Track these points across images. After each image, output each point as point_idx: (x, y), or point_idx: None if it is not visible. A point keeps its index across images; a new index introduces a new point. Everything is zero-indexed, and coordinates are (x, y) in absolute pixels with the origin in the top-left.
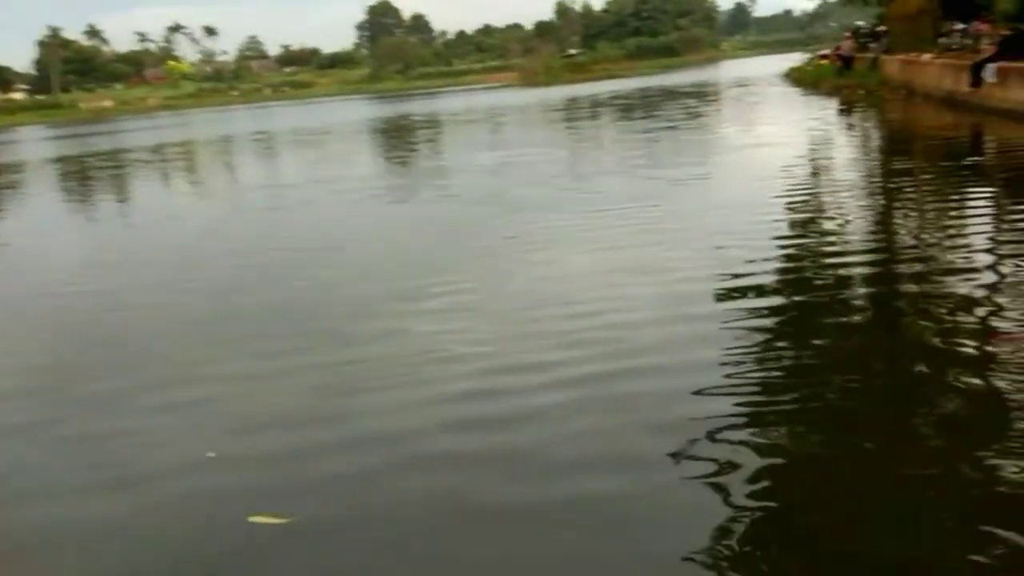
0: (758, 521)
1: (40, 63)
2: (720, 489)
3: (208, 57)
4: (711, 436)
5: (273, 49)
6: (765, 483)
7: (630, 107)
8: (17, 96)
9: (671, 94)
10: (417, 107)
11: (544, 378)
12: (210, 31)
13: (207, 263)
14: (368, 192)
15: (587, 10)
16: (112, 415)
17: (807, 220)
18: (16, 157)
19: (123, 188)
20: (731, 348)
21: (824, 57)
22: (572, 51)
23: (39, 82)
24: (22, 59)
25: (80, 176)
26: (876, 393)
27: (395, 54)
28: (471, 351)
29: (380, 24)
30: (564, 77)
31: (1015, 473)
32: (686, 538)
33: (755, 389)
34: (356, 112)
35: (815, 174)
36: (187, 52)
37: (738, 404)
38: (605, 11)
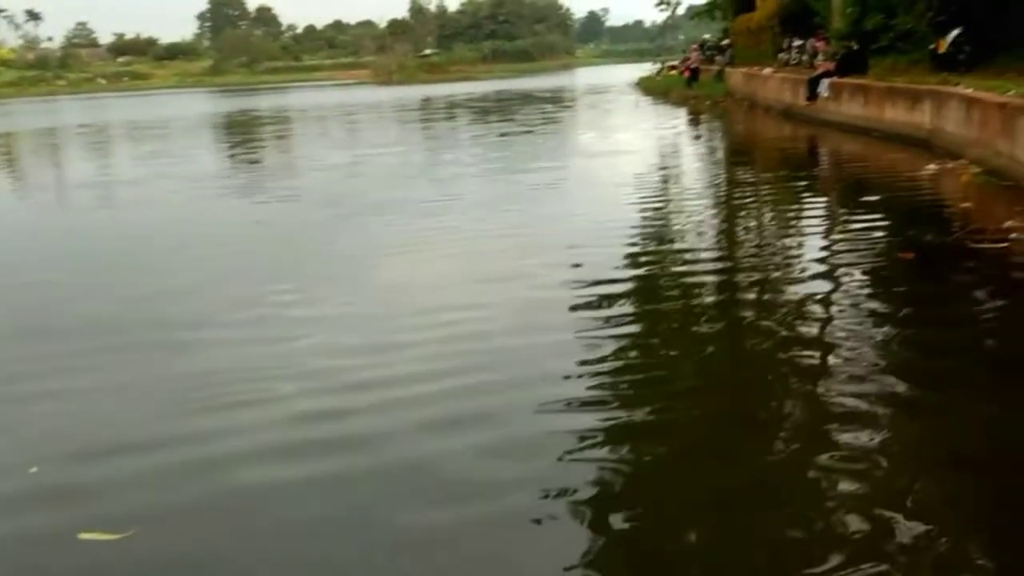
0: (605, 544)
1: None
2: (567, 510)
3: (31, 43)
4: (557, 455)
5: (105, 37)
6: (613, 502)
7: (486, 110)
8: None
9: (527, 98)
10: (264, 102)
11: (391, 395)
12: (33, 15)
13: (24, 269)
14: (209, 191)
15: (442, 11)
16: None
17: (658, 228)
18: None
19: None
20: (582, 359)
21: (673, 68)
22: (427, 51)
23: None
24: None
25: None
26: (723, 402)
27: (240, 47)
28: (315, 366)
29: (223, 15)
30: (419, 77)
31: (851, 481)
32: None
33: (603, 402)
34: (198, 106)
35: (665, 182)
36: (7, 37)
37: (586, 418)
38: (460, 12)
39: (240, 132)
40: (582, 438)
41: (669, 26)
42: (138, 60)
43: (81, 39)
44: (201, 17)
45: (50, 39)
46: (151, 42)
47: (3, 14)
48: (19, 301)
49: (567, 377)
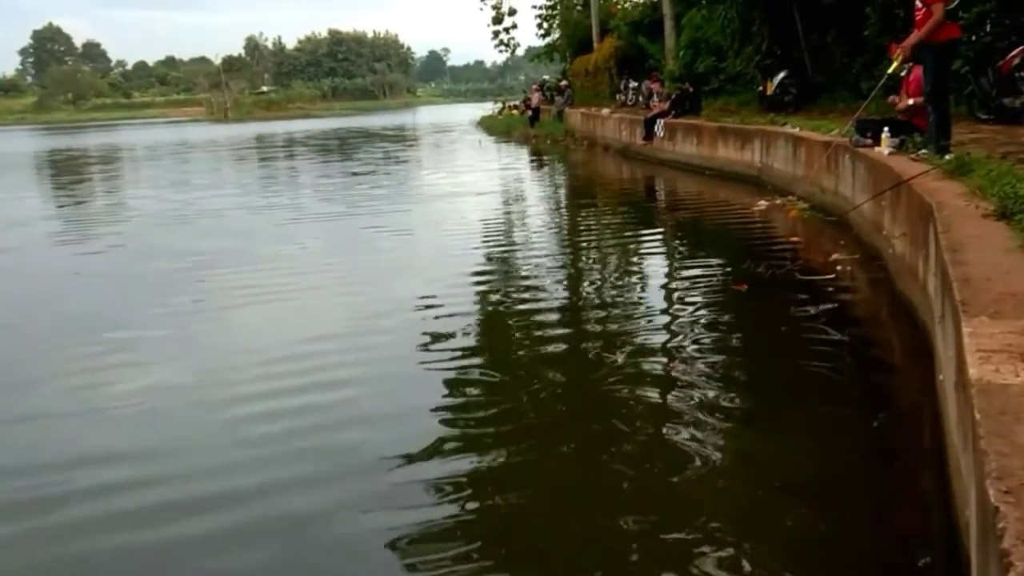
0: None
1: None
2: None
3: None
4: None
5: None
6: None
7: (327, 148)
8: None
9: (369, 136)
10: (91, 140)
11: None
12: None
13: None
14: (27, 239)
15: (279, 48)
16: None
17: (503, 271)
18: None
19: None
20: (432, 403)
21: (514, 108)
22: (264, 88)
23: None
24: None
25: None
26: (566, 432)
27: (66, 83)
28: (122, 443)
29: (47, 50)
30: (255, 114)
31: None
32: None
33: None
34: (18, 144)
35: (510, 224)
36: None
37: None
38: (298, 50)
39: (64, 172)
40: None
41: (509, 67)
42: None
43: None
44: (24, 52)
45: None
46: None
47: None
48: None
49: (415, 417)
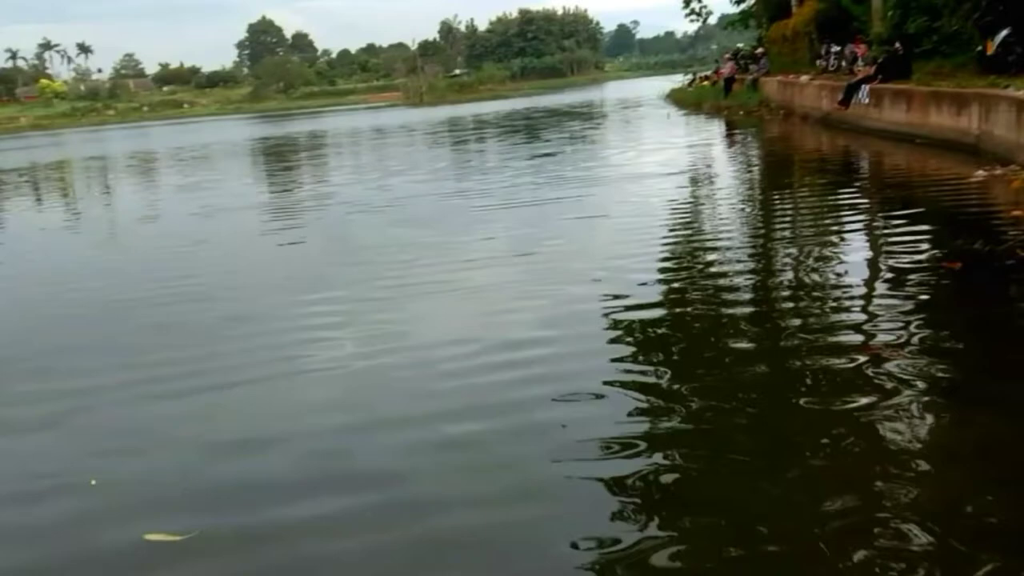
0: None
1: None
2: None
3: (82, 75)
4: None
5: (151, 67)
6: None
7: (514, 129)
8: None
9: (556, 115)
10: (298, 127)
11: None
12: (84, 49)
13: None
14: (232, 222)
15: (472, 31)
16: None
17: (695, 249)
18: None
19: None
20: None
21: (705, 79)
22: (457, 71)
23: None
24: None
25: None
26: (760, 404)
27: (277, 73)
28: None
29: (261, 42)
30: (448, 97)
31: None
32: None
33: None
34: (234, 132)
35: (703, 201)
36: (60, 70)
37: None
38: (490, 32)
39: (273, 158)
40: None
41: (701, 36)
42: (181, 89)
43: (129, 70)
44: (240, 45)
45: (100, 71)
46: (194, 71)
47: (56, 48)
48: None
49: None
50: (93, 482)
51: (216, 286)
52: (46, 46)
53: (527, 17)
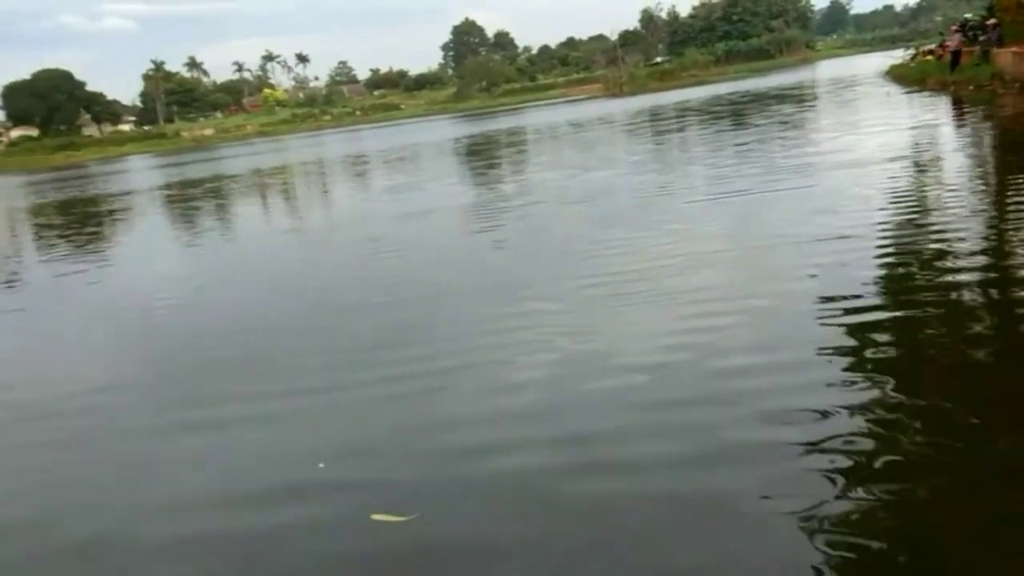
0: None
1: (145, 95)
2: None
3: (301, 83)
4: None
5: (362, 73)
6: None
7: (718, 115)
8: (125, 128)
9: (763, 99)
10: (500, 124)
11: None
12: (302, 58)
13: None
14: (435, 221)
15: (673, 17)
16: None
17: (924, 245)
18: (172, 180)
19: (230, 211)
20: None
21: (929, 53)
22: (658, 59)
23: (145, 114)
24: (130, 92)
25: (185, 203)
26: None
27: (479, 72)
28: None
29: (464, 43)
30: (650, 85)
31: None
32: None
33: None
34: (441, 131)
35: (931, 188)
36: (281, 79)
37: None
38: (692, 17)
39: (476, 156)
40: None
41: (923, 8)
42: (391, 92)
43: (343, 76)
44: (445, 47)
45: (316, 79)
46: (402, 74)
47: (277, 59)
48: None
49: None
50: (321, 465)
51: (423, 290)
52: (268, 57)
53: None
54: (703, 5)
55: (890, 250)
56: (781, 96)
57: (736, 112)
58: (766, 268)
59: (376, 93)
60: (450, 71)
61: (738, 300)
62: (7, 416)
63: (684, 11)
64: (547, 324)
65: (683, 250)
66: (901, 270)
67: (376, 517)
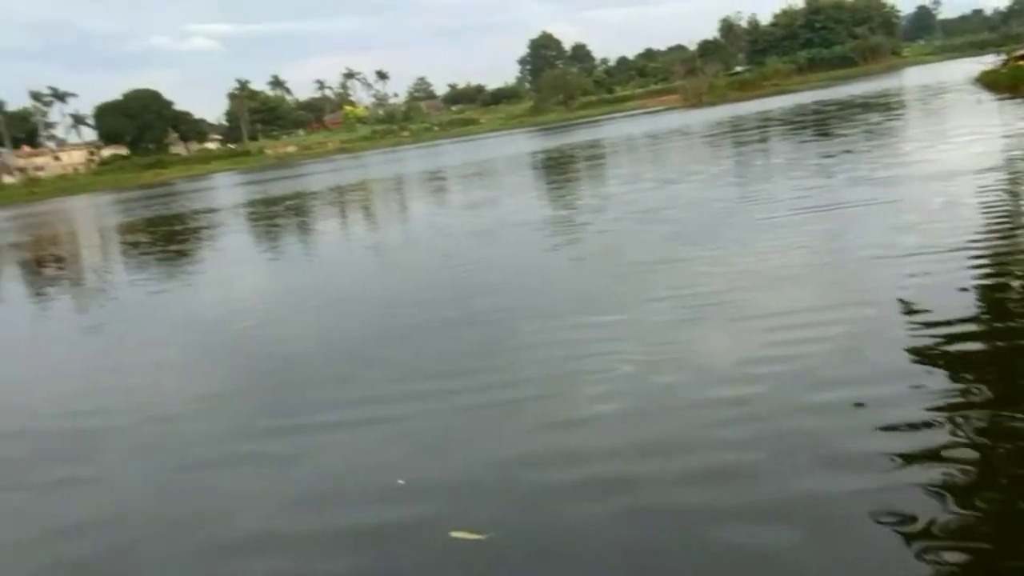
0: None
1: (231, 114)
2: None
3: (380, 100)
4: None
5: (440, 88)
6: None
7: (801, 125)
8: (211, 146)
9: (847, 107)
10: (577, 138)
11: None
12: (382, 75)
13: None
14: (516, 236)
15: (754, 26)
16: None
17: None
18: (282, 191)
19: (314, 228)
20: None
21: (1021, 58)
22: (738, 68)
23: (230, 132)
24: (215, 111)
25: (268, 220)
26: None
27: (557, 85)
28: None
29: (542, 56)
30: (729, 96)
31: None
32: None
33: None
34: (518, 146)
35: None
36: (361, 96)
37: None
38: (774, 25)
39: (553, 170)
40: None
41: (1014, 12)
42: (468, 107)
43: (421, 92)
44: (522, 61)
45: (396, 95)
46: (479, 89)
47: (357, 76)
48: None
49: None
50: (401, 481)
51: (501, 306)
52: (349, 75)
53: (815, 7)
54: (784, 13)
55: (984, 267)
56: (866, 104)
57: (820, 122)
58: (854, 286)
59: (454, 108)
60: (527, 85)
61: (815, 324)
62: (126, 421)
63: (765, 19)
64: (623, 346)
65: (767, 268)
66: (996, 290)
67: (454, 534)
